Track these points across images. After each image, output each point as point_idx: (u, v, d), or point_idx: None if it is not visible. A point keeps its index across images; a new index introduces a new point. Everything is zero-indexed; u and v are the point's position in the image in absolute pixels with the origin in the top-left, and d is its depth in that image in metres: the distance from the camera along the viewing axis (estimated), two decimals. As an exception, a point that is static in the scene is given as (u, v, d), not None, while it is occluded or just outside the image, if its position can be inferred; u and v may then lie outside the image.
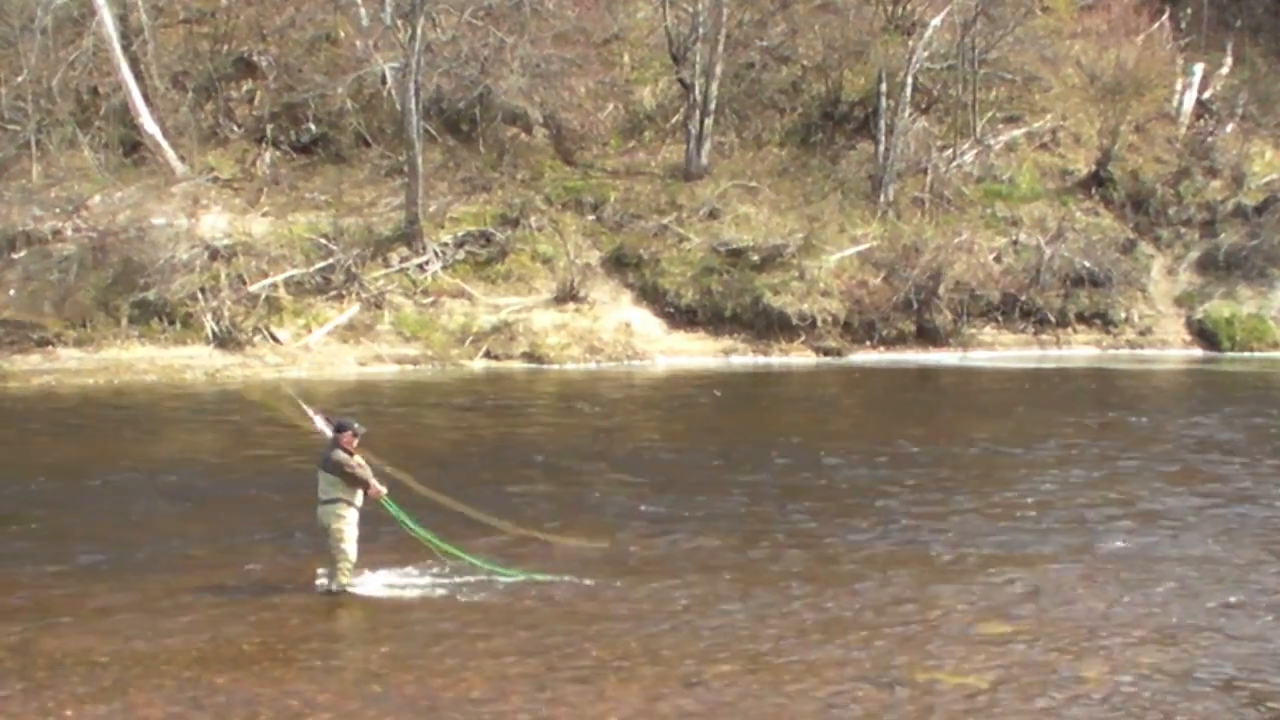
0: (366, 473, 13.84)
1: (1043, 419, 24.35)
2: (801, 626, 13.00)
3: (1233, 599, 13.97)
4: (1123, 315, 33.84)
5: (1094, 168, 36.93)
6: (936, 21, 36.52)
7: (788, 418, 25.03)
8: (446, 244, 31.91)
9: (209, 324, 28.94)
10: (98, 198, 30.72)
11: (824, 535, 16.39)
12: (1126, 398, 27.82)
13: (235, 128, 34.07)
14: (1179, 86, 39.42)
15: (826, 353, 31.73)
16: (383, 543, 14.58)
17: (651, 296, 32.22)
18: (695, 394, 27.38)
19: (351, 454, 13.85)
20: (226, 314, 29.09)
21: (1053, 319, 33.33)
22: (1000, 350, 32.66)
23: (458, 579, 14.19)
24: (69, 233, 29.94)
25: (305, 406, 15.27)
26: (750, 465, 20.23)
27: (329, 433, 14.22)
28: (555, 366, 29.79)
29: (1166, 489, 18.83)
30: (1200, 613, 13.56)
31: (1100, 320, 33.72)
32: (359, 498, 13.86)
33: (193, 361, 28.21)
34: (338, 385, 27.27)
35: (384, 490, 13.99)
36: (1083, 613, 13.50)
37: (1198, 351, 33.56)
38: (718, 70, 34.82)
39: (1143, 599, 13.97)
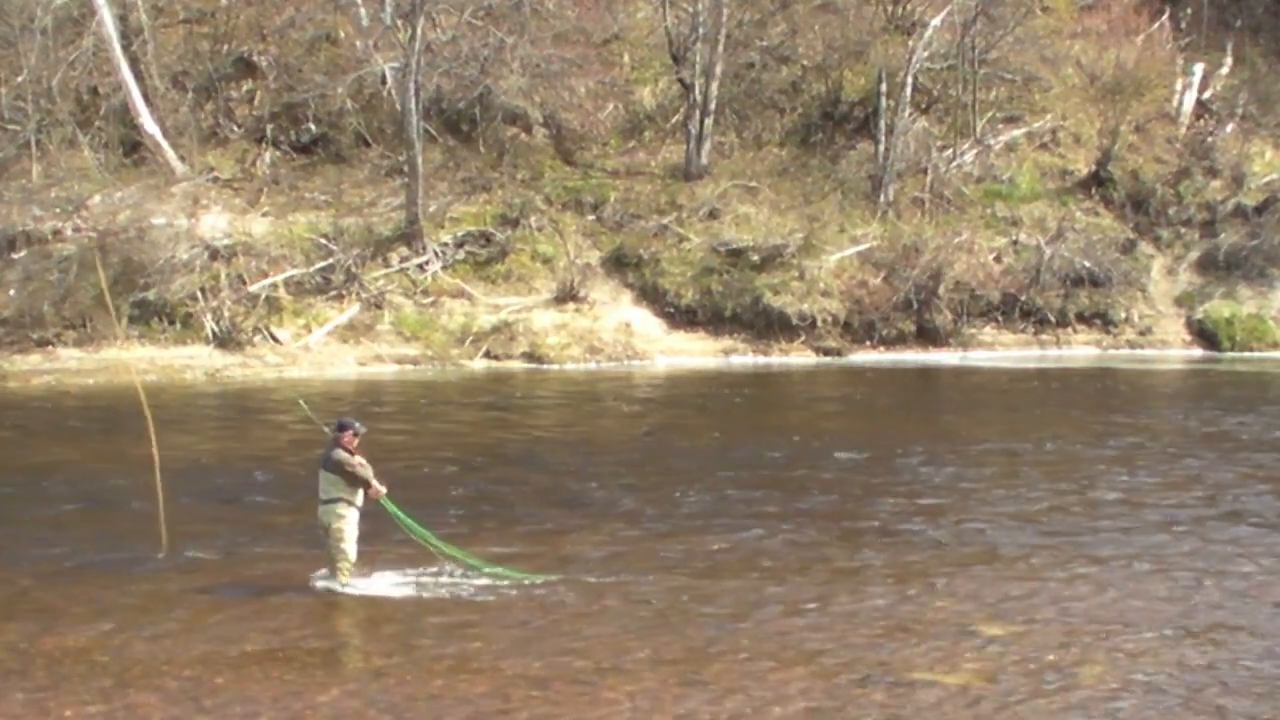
0: (367, 472, 13.83)
1: (1093, 418, 24.32)
2: (805, 625, 12.99)
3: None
4: (1123, 315, 33.83)
5: (1094, 168, 36.92)
6: (936, 21, 36.52)
7: (832, 416, 24.94)
8: (446, 244, 31.91)
9: (209, 324, 28.95)
10: (98, 198, 30.72)
11: (888, 533, 16.38)
12: (1160, 396, 27.88)
13: (235, 128, 34.06)
14: (1179, 86, 39.41)
15: (826, 353, 31.72)
16: (383, 542, 14.57)
17: (651, 296, 32.22)
18: (725, 392, 27.38)
19: (352, 453, 13.84)
20: (226, 314, 29.10)
21: (1053, 319, 33.32)
22: (1000, 350, 32.65)
23: (458, 579, 14.19)
24: (69, 233, 29.94)
25: (313, 415, 15.21)
26: (799, 464, 20.22)
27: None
28: (555, 366, 29.79)
29: (1247, 487, 18.76)
30: (1252, 612, 13.48)
31: (1100, 320, 33.71)
32: (359, 497, 13.85)
33: (193, 361, 28.22)
34: (359, 386, 27.34)
35: (384, 490, 13.98)
36: (1129, 611, 13.48)
37: (1197, 351, 33.54)
38: (718, 70, 34.81)
39: (1196, 598, 13.93)
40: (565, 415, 25.14)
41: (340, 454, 13.75)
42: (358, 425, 14.10)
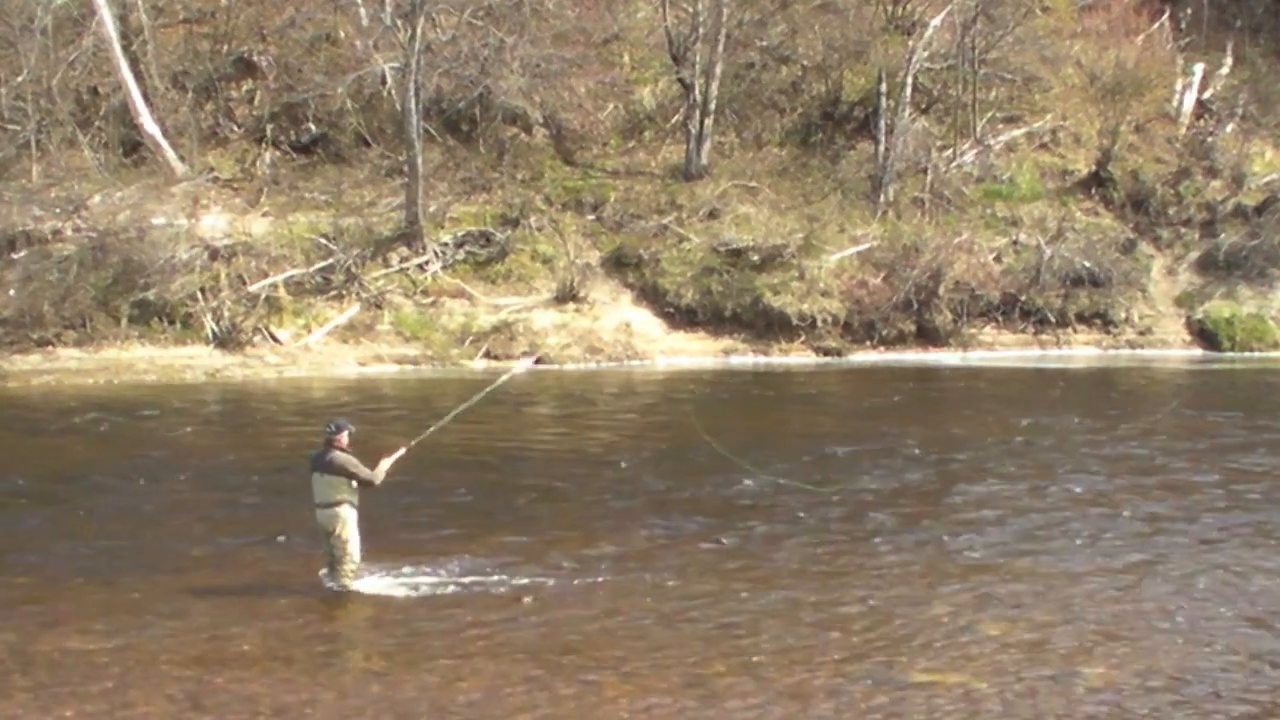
0: (368, 468, 13.82)
1: (1101, 417, 24.32)
2: (805, 625, 12.98)
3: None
4: (1123, 315, 33.81)
5: (1094, 168, 36.92)
6: (936, 21, 36.51)
7: (905, 419, 24.73)
8: (446, 244, 31.90)
9: (209, 324, 28.94)
10: (98, 198, 30.70)
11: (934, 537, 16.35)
12: (1195, 395, 27.82)
13: (235, 128, 34.07)
14: (1179, 86, 39.41)
15: (826, 353, 31.70)
16: (383, 543, 14.58)
17: (651, 296, 32.21)
18: (775, 388, 27.87)
19: (346, 453, 13.84)
20: (226, 314, 29.09)
21: (1053, 319, 33.30)
22: (1000, 350, 32.62)
23: (458, 579, 14.19)
24: (69, 233, 29.93)
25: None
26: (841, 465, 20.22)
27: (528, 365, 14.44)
28: (555, 366, 29.76)
29: (1261, 490, 18.70)
30: (1257, 614, 13.44)
31: (1100, 320, 33.69)
32: (357, 496, 13.83)
33: (193, 361, 28.22)
34: (362, 385, 27.33)
35: (394, 456, 13.92)
36: (1131, 611, 13.49)
37: (1197, 352, 33.50)
38: (718, 70, 34.81)
39: (1201, 599, 13.91)
40: (650, 414, 25.20)
41: (340, 455, 13.74)
42: (352, 427, 14.13)
